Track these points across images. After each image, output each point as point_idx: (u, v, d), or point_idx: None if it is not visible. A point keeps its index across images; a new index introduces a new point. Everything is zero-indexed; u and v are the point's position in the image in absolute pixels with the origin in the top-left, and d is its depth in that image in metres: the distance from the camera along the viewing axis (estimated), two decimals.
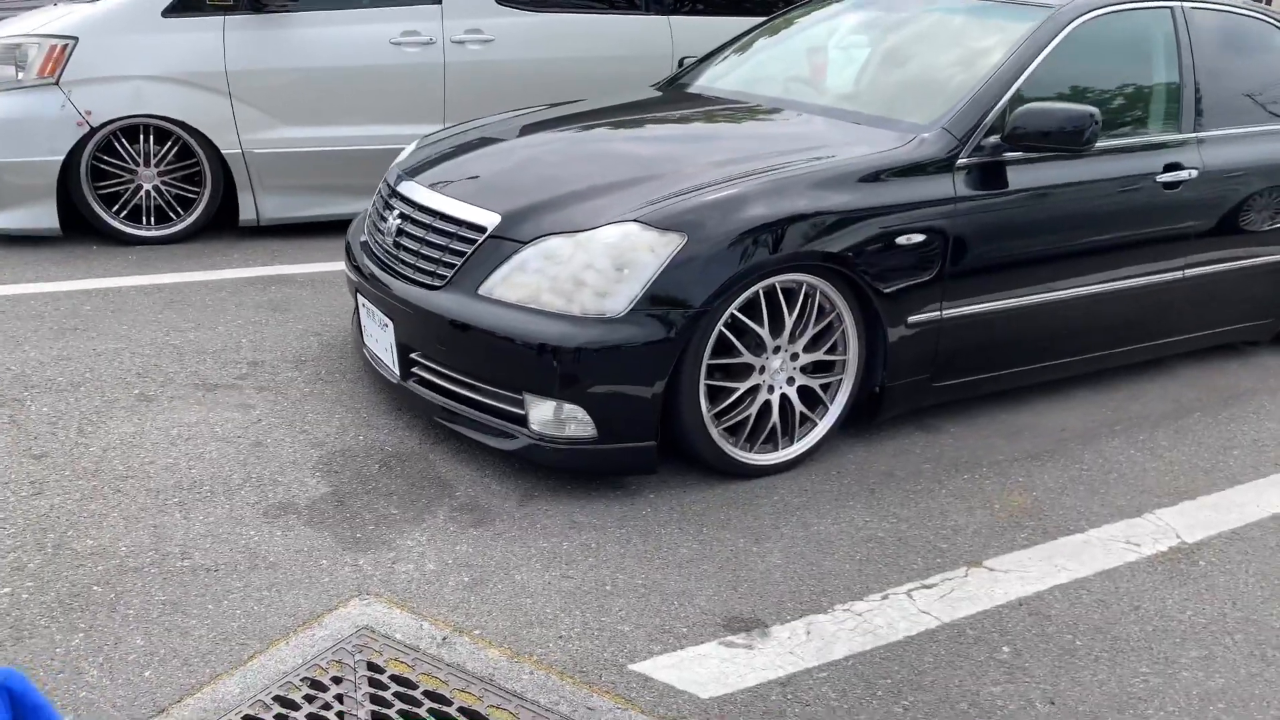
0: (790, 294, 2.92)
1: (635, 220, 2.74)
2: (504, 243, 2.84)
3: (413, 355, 3.03)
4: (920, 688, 2.15)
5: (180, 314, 4.10)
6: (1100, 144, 3.41)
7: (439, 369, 2.95)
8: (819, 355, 3.02)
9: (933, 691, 2.14)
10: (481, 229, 2.89)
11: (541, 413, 2.76)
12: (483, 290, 2.82)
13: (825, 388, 3.09)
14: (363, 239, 3.42)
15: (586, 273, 2.71)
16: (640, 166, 3.06)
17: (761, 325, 2.88)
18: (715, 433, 2.88)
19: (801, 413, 3.04)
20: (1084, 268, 3.43)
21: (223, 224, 5.27)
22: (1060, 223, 3.34)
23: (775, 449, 3.03)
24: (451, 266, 2.91)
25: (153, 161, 5.03)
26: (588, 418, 2.72)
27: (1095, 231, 3.43)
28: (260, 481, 2.83)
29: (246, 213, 5.21)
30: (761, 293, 2.85)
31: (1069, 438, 3.40)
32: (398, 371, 3.10)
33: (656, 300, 2.68)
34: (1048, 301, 3.38)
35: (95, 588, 2.32)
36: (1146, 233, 3.56)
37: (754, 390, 2.94)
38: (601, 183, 2.95)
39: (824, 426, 3.10)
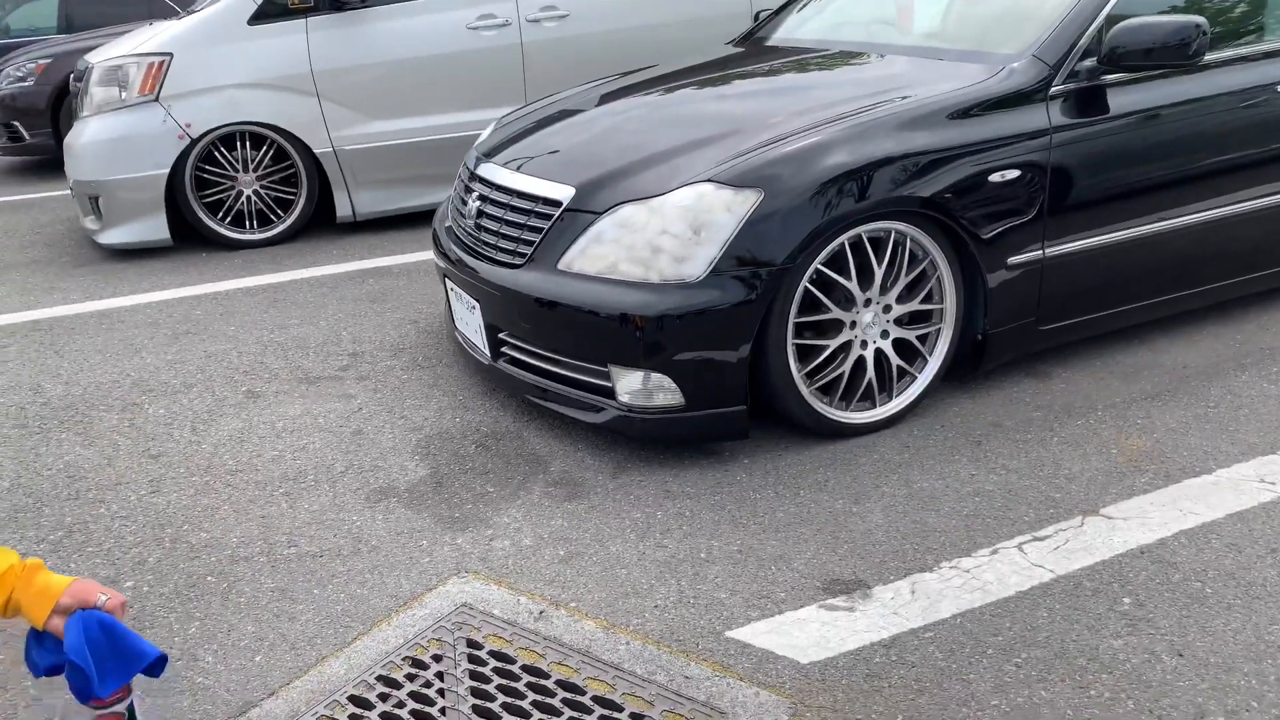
0: (878, 244, 2.81)
1: (709, 180, 2.67)
2: (580, 215, 2.82)
3: (501, 335, 3.04)
4: (1034, 644, 2.04)
5: (284, 312, 4.23)
6: (1211, 56, 3.16)
7: (527, 347, 2.95)
8: (914, 305, 2.90)
9: (1048, 647, 2.03)
10: (557, 203, 2.87)
11: (628, 384, 2.73)
12: (562, 265, 2.80)
13: (923, 339, 2.97)
14: (447, 224, 3.45)
15: (662, 238, 2.66)
16: (715, 125, 2.98)
17: (849, 279, 2.78)
18: (807, 392, 2.80)
19: (899, 366, 2.93)
20: (1200, 193, 3.20)
21: (321, 222, 5.42)
22: (1171, 146, 3.12)
23: (873, 406, 2.93)
24: (531, 244, 2.90)
25: (251, 167, 5.20)
26: (674, 386, 2.68)
27: (1211, 152, 3.19)
28: (361, 468, 2.89)
29: (342, 209, 5.34)
30: (847, 244, 2.75)
31: (1192, 375, 3.19)
32: (488, 352, 3.11)
33: (736, 261, 2.61)
34: (1161, 232, 3.17)
35: (209, 578, 2.41)
36: (1270, 149, 3.30)
37: (846, 347, 2.84)
38: (675, 145, 2.89)
39: (924, 380, 2.98)
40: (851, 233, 2.74)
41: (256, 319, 4.16)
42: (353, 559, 2.46)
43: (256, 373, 3.60)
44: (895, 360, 2.92)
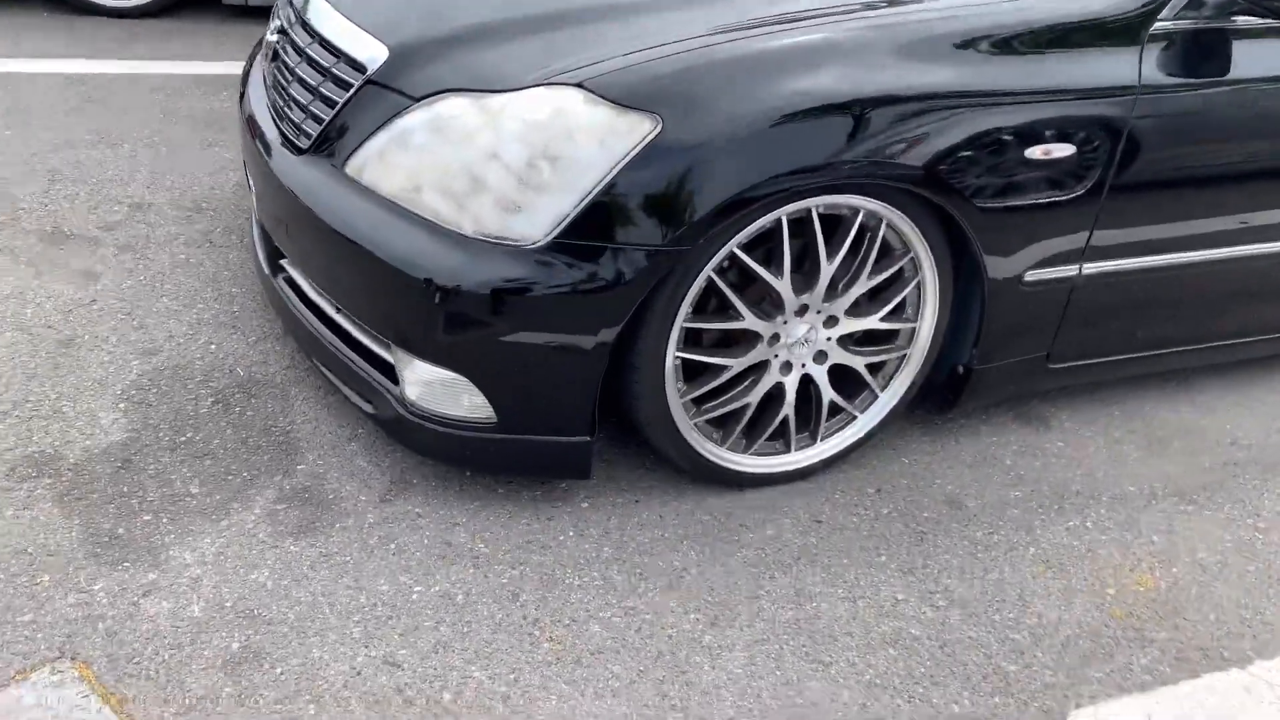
0: (834, 224, 1.83)
1: (579, 85, 1.66)
2: (388, 94, 1.80)
3: (275, 245, 2.08)
4: None
5: (89, 119, 3.20)
6: None
7: (301, 273, 2.00)
8: (871, 321, 1.95)
9: None
10: (362, 68, 1.85)
11: (418, 375, 1.80)
12: (350, 167, 1.81)
13: (874, 369, 2.04)
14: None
15: (491, 165, 1.66)
16: None
17: (779, 274, 1.81)
18: (687, 425, 1.89)
19: (832, 402, 2.01)
20: None
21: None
22: None
23: (785, 450, 2.02)
24: (320, 122, 1.89)
25: None
26: (481, 394, 1.76)
27: None
28: (36, 411, 1.98)
29: None
30: (785, 220, 1.76)
31: (1241, 459, 2.29)
32: (265, 262, 2.16)
33: (600, 224, 1.64)
34: (1248, 256, 2.20)
35: None
36: None
37: (759, 368, 1.91)
38: (554, 9, 1.84)
39: (864, 423, 2.06)
40: (798, 205, 1.75)
41: (46, 123, 3.14)
42: None
43: None
44: (829, 394, 1.99)
